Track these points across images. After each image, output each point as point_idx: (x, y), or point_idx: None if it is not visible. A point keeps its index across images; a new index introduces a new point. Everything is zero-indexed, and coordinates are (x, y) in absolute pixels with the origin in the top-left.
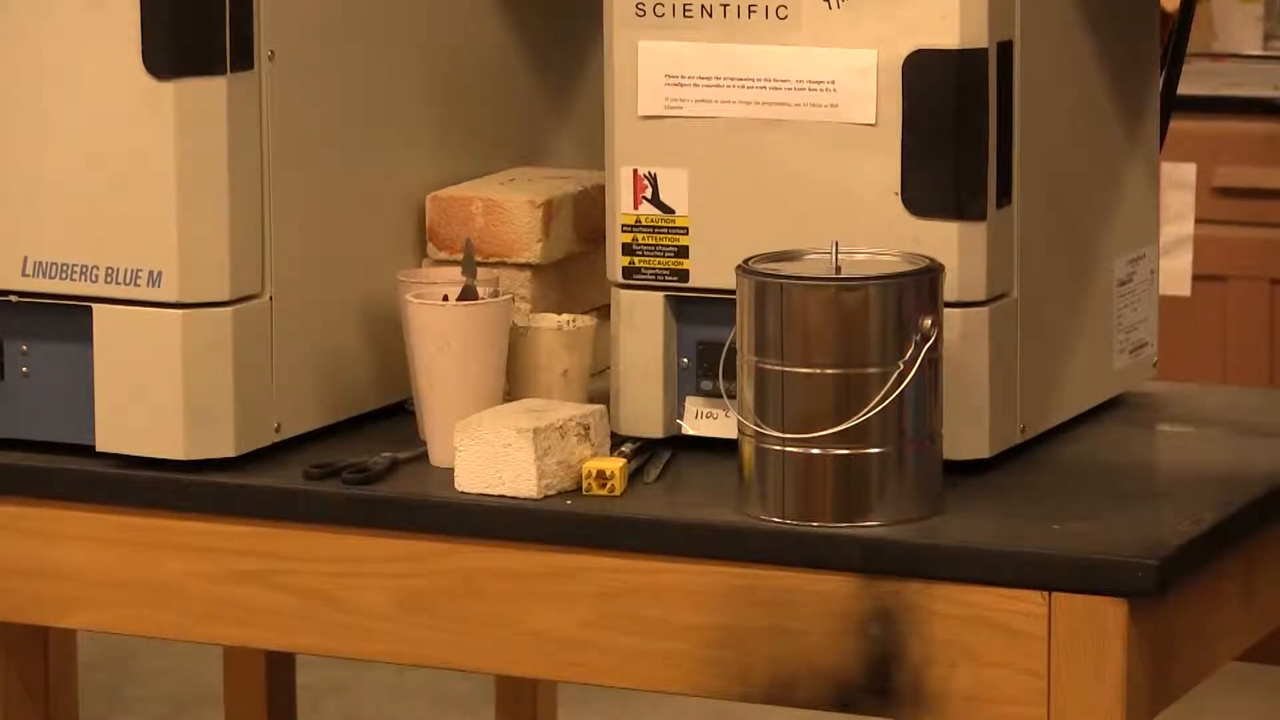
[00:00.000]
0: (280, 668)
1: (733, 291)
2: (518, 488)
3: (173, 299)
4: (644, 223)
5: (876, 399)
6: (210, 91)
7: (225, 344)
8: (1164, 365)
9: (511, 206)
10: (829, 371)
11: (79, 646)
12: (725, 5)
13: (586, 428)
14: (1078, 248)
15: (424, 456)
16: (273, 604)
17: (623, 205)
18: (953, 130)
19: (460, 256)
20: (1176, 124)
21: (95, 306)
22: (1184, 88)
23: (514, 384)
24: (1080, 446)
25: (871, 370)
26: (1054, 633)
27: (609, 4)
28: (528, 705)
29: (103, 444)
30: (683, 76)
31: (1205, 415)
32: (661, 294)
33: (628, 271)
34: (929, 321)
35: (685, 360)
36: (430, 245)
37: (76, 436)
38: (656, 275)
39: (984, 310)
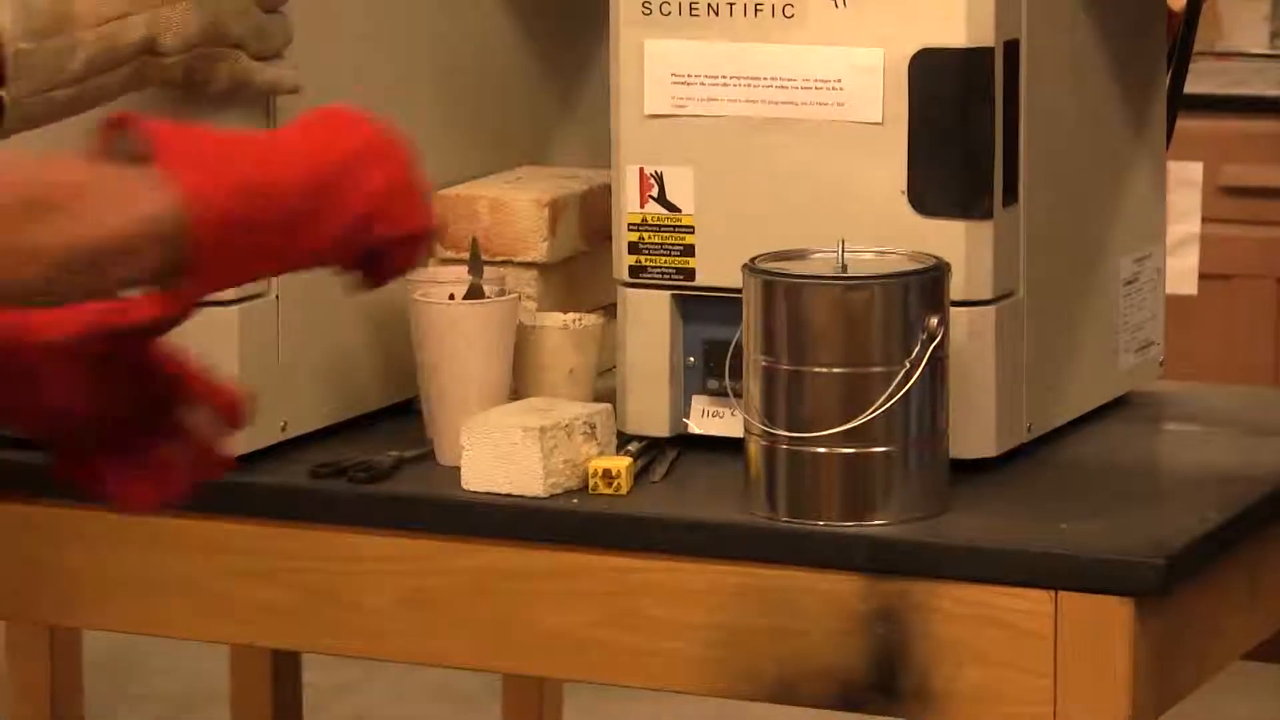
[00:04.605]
0: (286, 666)
1: (739, 290)
2: (524, 486)
3: None
4: (650, 221)
5: (883, 398)
6: None
7: (231, 343)
8: (1170, 364)
9: (517, 205)
10: (835, 370)
11: (84, 645)
12: (731, 4)
13: (593, 426)
14: (1084, 246)
15: (430, 455)
16: (279, 603)
17: (629, 204)
18: (959, 129)
19: (466, 255)
20: (1183, 123)
21: None
22: (1190, 86)
23: (520, 382)
24: (1086, 446)
25: (877, 369)
26: (1060, 632)
27: (615, 3)
28: (534, 704)
29: None
30: (689, 75)
31: (1211, 414)
32: (668, 293)
33: (634, 270)
34: (935, 320)
35: (691, 359)
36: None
37: None
38: (663, 274)
39: (990, 309)
